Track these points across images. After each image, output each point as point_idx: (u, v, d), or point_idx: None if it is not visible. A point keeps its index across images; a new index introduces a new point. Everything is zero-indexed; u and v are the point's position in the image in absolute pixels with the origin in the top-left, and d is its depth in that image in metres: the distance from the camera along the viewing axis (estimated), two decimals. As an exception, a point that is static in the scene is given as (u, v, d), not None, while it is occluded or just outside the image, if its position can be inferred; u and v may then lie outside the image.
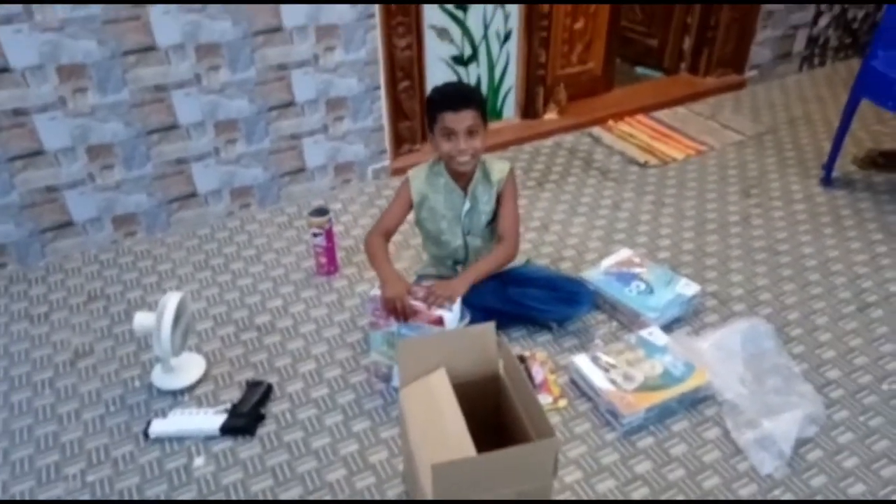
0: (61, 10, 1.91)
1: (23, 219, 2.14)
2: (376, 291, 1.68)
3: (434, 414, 1.31)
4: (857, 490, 1.49)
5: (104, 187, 2.21)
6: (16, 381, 1.80)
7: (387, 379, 1.74)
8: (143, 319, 1.67)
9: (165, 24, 2.05)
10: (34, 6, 1.87)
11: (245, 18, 2.15)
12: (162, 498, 1.49)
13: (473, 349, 1.41)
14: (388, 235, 1.84)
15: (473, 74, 2.83)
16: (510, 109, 3.02)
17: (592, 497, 1.48)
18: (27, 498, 1.50)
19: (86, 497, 1.50)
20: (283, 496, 1.50)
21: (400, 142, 2.70)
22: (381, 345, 1.71)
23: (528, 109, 3.02)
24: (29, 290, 2.12)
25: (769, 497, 1.48)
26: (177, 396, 1.73)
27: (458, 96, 1.75)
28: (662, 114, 3.18)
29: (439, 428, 1.28)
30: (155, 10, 2.02)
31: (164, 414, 1.68)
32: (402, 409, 1.37)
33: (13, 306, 2.05)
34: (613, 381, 1.67)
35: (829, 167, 2.59)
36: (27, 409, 1.72)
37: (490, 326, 1.41)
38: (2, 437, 1.65)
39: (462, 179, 1.85)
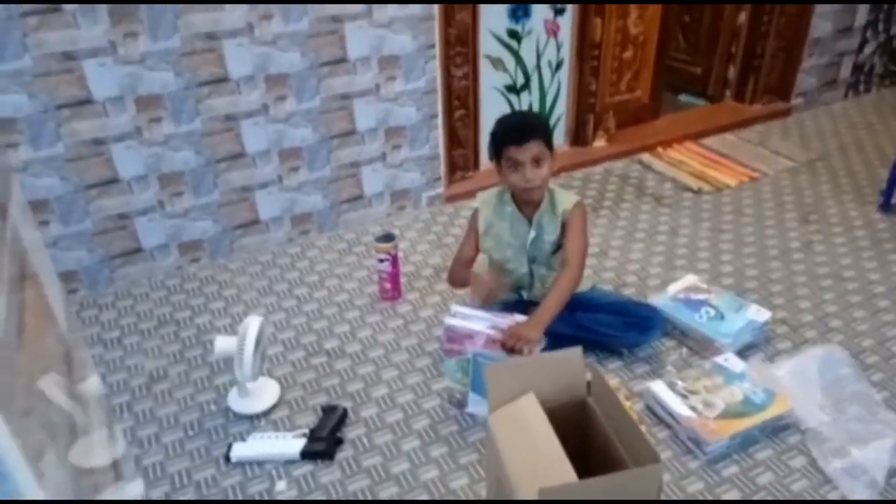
0: (143, 44, 1.97)
1: (94, 245, 2.19)
2: (451, 321, 1.68)
3: (527, 439, 1.30)
4: (953, 522, 1.46)
5: (173, 214, 2.26)
6: (92, 404, 1.82)
7: (461, 405, 1.74)
8: (224, 343, 1.69)
9: (239, 56, 2.11)
10: (118, 41, 1.94)
11: (312, 50, 2.21)
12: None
13: (561, 374, 1.40)
14: (468, 266, 1.91)
15: (525, 102, 2.86)
16: (560, 137, 3.04)
17: (680, 526, 1.46)
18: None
19: (170, 521, 1.51)
20: (367, 522, 1.49)
21: (453, 169, 2.73)
22: (456, 372, 1.71)
23: (578, 137, 3.05)
24: (100, 315, 2.16)
25: (863, 528, 1.44)
26: (253, 421, 1.75)
27: (521, 129, 1.76)
28: (711, 140, 3.18)
29: (535, 453, 1.27)
30: (229, 44, 2.08)
31: (242, 438, 1.69)
32: (491, 434, 1.36)
33: (86, 331, 2.08)
34: (694, 408, 1.65)
35: (888, 193, 2.57)
36: (105, 432, 1.74)
37: (577, 351, 1.40)
38: (81, 461, 1.66)
39: (529, 208, 1.86)
